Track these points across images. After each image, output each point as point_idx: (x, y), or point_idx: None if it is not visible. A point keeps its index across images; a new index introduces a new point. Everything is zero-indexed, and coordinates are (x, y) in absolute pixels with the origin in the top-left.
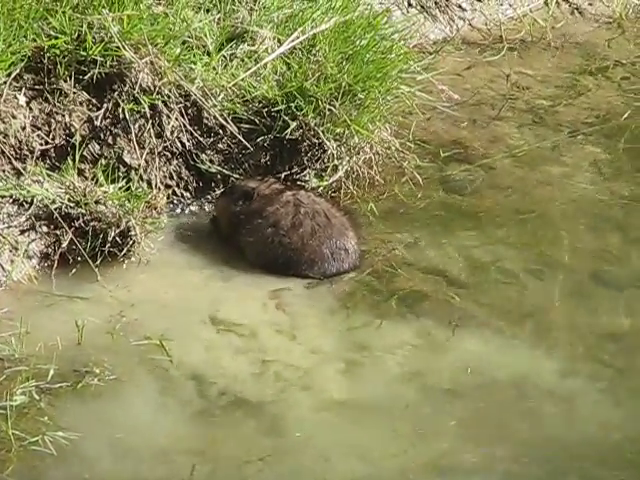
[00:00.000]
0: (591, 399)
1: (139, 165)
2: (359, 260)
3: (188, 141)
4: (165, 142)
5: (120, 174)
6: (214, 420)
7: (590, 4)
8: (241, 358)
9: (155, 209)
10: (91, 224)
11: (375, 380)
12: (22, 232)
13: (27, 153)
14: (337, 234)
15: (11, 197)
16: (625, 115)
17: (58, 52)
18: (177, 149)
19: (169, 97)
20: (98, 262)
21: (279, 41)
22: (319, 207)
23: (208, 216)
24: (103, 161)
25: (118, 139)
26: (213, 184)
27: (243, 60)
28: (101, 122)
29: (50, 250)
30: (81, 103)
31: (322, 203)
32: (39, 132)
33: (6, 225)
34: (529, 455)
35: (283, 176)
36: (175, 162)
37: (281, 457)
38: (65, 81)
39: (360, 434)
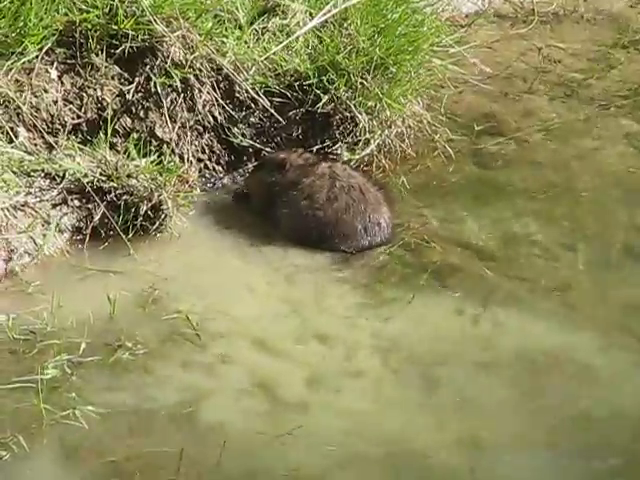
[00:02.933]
0: (624, 372)
1: (171, 139)
2: (391, 235)
3: (220, 115)
4: (197, 116)
5: (152, 148)
6: (243, 394)
7: None
8: (272, 330)
9: (187, 183)
10: (123, 198)
11: (407, 353)
12: (54, 206)
13: (59, 127)
14: (371, 209)
15: (43, 171)
16: None
17: (90, 26)
18: (209, 123)
19: (201, 71)
20: (130, 236)
21: (311, 14)
22: (354, 181)
23: (233, 191)
24: (135, 135)
25: (150, 113)
26: (245, 158)
27: (275, 34)
28: (133, 96)
29: (82, 224)
30: (113, 77)
31: (357, 177)
32: (71, 106)
33: (38, 199)
34: (562, 429)
35: (315, 150)
36: (207, 136)
37: (311, 429)
38: (97, 55)
39: (392, 408)
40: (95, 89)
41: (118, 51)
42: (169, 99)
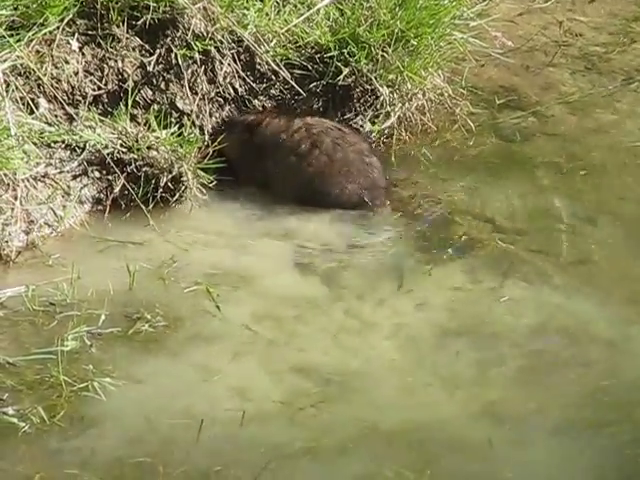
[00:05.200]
0: None
1: (191, 111)
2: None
3: (240, 87)
4: (218, 88)
5: (172, 120)
6: (264, 365)
7: None
8: (294, 301)
9: (207, 155)
10: (143, 169)
11: (424, 327)
12: (74, 177)
13: (80, 98)
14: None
15: (63, 142)
16: None
17: None
18: (229, 95)
19: (222, 43)
20: (150, 207)
21: None
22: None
23: None
24: (155, 107)
25: (171, 85)
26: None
27: (296, 6)
28: (154, 68)
29: (102, 195)
30: (134, 48)
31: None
32: (92, 77)
33: (58, 170)
34: (580, 403)
35: (336, 122)
36: (227, 108)
37: (329, 402)
38: (118, 26)
39: (410, 381)
40: (116, 60)
41: (139, 22)
42: (190, 71)
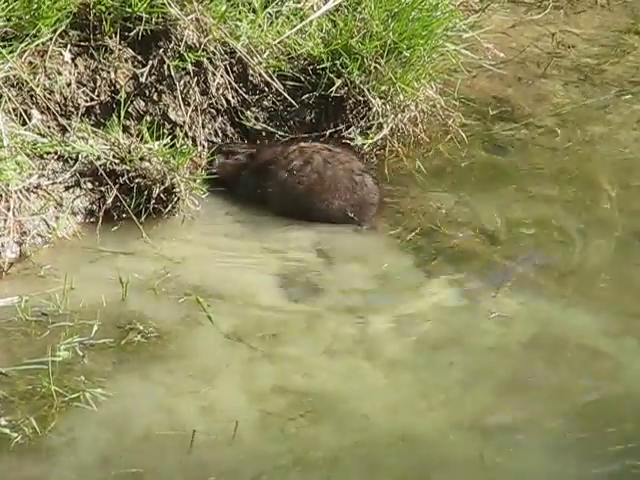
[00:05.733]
0: (636, 357)
1: (184, 122)
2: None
3: (233, 98)
4: (210, 99)
5: (165, 131)
6: (255, 374)
7: None
8: (285, 312)
9: (200, 166)
10: (136, 181)
11: (417, 338)
12: (67, 188)
13: (72, 109)
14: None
15: (56, 153)
16: None
17: (104, 8)
18: (222, 106)
19: (214, 54)
20: (142, 219)
21: None
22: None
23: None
24: (148, 118)
25: (163, 96)
26: (258, 141)
27: (289, 17)
28: (146, 79)
29: (95, 206)
30: (126, 60)
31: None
32: (84, 89)
33: (51, 181)
34: (571, 413)
35: (328, 134)
36: (220, 119)
37: (321, 411)
38: (110, 38)
39: (401, 391)
40: (109, 72)
41: (132, 34)
42: (182, 82)
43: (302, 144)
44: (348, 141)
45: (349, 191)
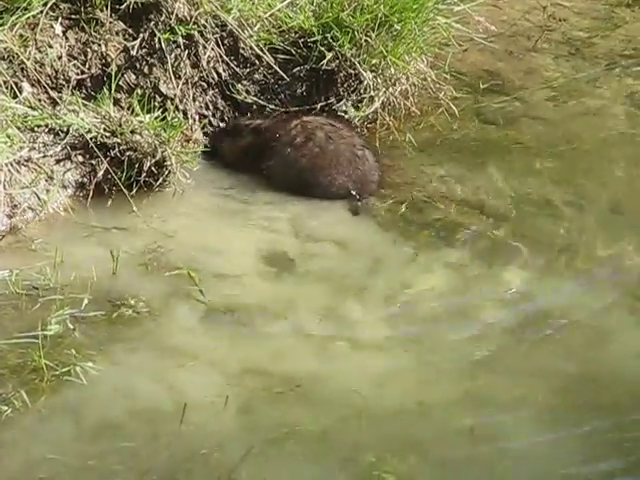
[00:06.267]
0: (629, 333)
1: (175, 95)
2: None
3: (224, 71)
4: (201, 72)
5: (156, 104)
6: (246, 349)
7: None
8: (274, 287)
9: (191, 139)
10: (127, 154)
11: (410, 313)
12: (58, 161)
13: (63, 82)
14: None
15: (47, 126)
16: None
17: None
18: (213, 79)
19: (205, 27)
20: (133, 192)
21: None
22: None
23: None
24: (139, 91)
25: (154, 69)
26: (249, 114)
27: None
28: (137, 52)
29: (86, 180)
30: (117, 33)
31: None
32: (75, 61)
33: (42, 154)
34: (565, 389)
35: (319, 107)
36: (211, 92)
37: (313, 386)
38: (101, 10)
39: (394, 368)
40: (99, 45)
41: (122, 7)
42: (173, 55)
43: (304, 118)
44: (341, 114)
45: (351, 166)
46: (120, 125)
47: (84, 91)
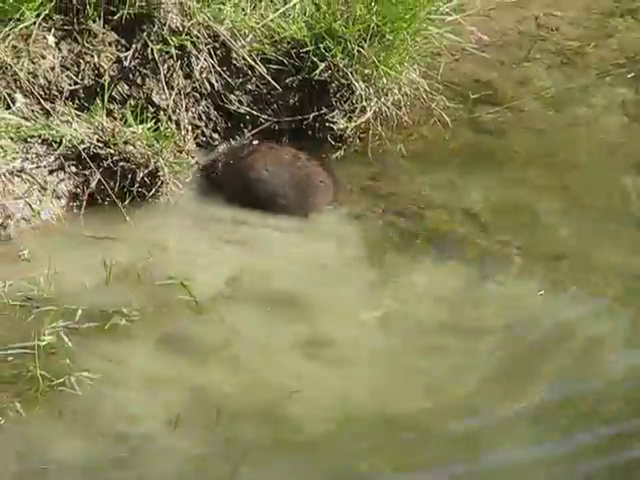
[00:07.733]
0: (617, 340)
1: (168, 105)
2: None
3: (217, 82)
4: (194, 83)
5: (149, 114)
6: (241, 357)
7: None
8: (270, 296)
9: (183, 150)
10: (120, 164)
11: (401, 319)
12: (51, 172)
13: (56, 93)
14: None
15: (40, 137)
16: None
17: None
18: (206, 90)
19: (198, 38)
20: (126, 202)
21: None
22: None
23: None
24: (132, 101)
25: (147, 80)
26: (242, 125)
27: (272, 1)
28: (130, 62)
29: (79, 190)
30: (110, 43)
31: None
32: (68, 72)
33: (35, 165)
34: (557, 396)
35: (312, 117)
36: (203, 103)
37: (307, 395)
38: (94, 21)
39: (389, 375)
40: (92, 55)
41: (115, 17)
42: (166, 66)
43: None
44: (332, 124)
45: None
46: (113, 136)
47: (77, 102)
